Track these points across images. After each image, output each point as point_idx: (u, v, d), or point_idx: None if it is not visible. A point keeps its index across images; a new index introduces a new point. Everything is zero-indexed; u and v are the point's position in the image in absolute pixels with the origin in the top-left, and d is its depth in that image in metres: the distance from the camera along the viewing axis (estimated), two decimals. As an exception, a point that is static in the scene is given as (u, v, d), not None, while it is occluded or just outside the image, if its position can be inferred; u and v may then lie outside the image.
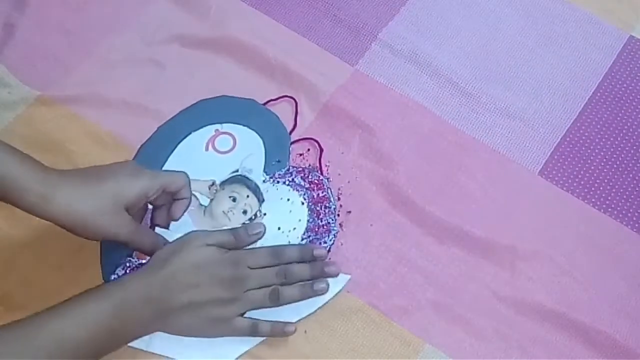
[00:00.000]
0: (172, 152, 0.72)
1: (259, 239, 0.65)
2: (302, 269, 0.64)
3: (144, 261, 0.66)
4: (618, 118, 0.77)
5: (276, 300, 0.63)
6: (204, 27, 0.80)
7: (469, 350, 0.65)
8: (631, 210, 0.72)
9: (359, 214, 0.70)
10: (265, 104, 0.76)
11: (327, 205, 0.70)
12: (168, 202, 0.66)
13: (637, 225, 0.71)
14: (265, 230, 0.65)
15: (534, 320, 0.67)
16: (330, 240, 0.68)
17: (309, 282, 0.64)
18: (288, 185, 0.71)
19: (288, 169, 0.72)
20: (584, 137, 0.76)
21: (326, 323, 0.66)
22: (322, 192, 0.71)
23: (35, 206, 0.58)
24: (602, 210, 0.72)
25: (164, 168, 0.71)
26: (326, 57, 0.79)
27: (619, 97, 0.78)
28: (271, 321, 0.63)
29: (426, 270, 0.69)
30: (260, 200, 0.70)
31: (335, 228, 0.69)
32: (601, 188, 0.73)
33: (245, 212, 0.69)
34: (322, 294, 0.64)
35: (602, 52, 0.81)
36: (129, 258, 0.67)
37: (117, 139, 0.73)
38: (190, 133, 0.73)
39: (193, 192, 0.69)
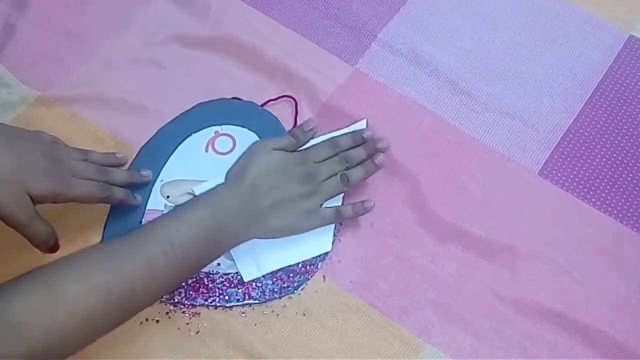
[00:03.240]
0: (172, 153, 0.72)
1: (315, 133, 0.71)
2: (359, 152, 0.70)
3: None
4: (618, 118, 0.77)
5: (347, 183, 0.69)
6: (204, 27, 0.80)
7: (468, 350, 0.65)
8: (631, 210, 0.72)
9: (359, 214, 0.71)
10: (264, 104, 0.76)
11: None
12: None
13: (637, 225, 0.71)
14: (318, 125, 0.71)
15: (534, 320, 0.67)
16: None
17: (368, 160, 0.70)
18: None
19: None
20: (583, 137, 0.76)
21: (326, 323, 0.66)
22: None
23: None
24: (602, 210, 0.72)
25: (164, 169, 0.71)
26: (326, 57, 0.79)
27: (618, 97, 0.78)
28: (351, 203, 0.69)
29: (426, 270, 0.69)
30: None
31: (337, 225, 0.69)
32: (601, 188, 0.73)
33: None
34: (382, 166, 0.70)
35: (602, 51, 0.81)
36: None
37: (117, 139, 0.73)
38: (190, 135, 0.73)
39: (193, 192, 0.69)
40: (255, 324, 0.66)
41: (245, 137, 0.73)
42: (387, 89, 0.78)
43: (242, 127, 0.74)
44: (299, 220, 0.67)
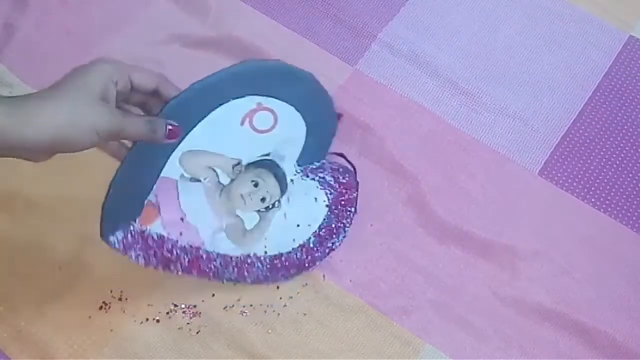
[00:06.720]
0: (203, 118, 0.61)
1: None
2: None
3: (144, 228, 0.64)
4: (618, 118, 0.77)
5: None
6: (204, 27, 0.80)
7: (469, 350, 0.65)
8: (631, 210, 0.72)
9: (359, 213, 0.70)
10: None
11: (349, 209, 0.69)
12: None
13: (637, 225, 0.71)
14: None
15: (534, 320, 0.67)
16: (339, 241, 0.69)
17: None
18: (317, 181, 0.68)
19: (323, 164, 0.68)
20: (583, 137, 0.76)
21: (326, 323, 0.66)
22: (350, 195, 0.69)
23: (7, 136, 0.49)
24: (602, 210, 0.72)
25: (190, 134, 0.61)
26: (326, 57, 0.80)
27: (618, 97, 0.78)
28: None
29: (426, 270, 0.69)
30: (283, 191, 0.67)
31: (347, 229, 0.69)
32: (601, 188, 0.73)
33: (263, 199, 0.67)
34: None
35: (602, 51, 0.81)
36: (132, 222, 0.63)
37: (117, 139, 0.73)
38: (229, 100, 0.61)
39: (214, 168, 0.65)
40: (256, 324, 0.66)
41: (289, 118, 0.64)
42: (387, 89, 0.78)
43: (290, 104, 0.63)
44: None
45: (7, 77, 0.76)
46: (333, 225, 0.69)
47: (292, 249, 0.68)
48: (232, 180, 0.66)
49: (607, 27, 0.82)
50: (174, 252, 0.65)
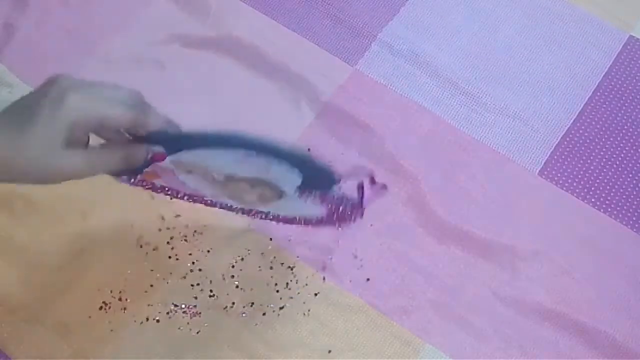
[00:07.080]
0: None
1: None
2: None
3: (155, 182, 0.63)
4: (618, 118, 0.77)
5: None
6: (204, 27, 0.80)
7: (469, 350, 0.65)
8: (631, 210, 0.72)
9: (359, 214, 0.71)
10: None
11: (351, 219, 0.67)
12: None
13: (637, 225, 0.71)
14: None
15: (534, 320, 0.67)
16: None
17: None
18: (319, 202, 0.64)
19: (325, 192, 0.62)
20: (583, 137, 0.76)
21: (326, 323, 0.66)
22: (354, 216, 0.66)
23: None
24: (602, 210, 0.72)
25: (178, 154, 0.57)
26: (326, 57, 0.80)
27: (618, 97, 0.78)
28: None
29: (426, 270, 0.69)
30: (280, 197, 0.64)
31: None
32: (601, 188, 0.73)
33: (260, 195, 0.65)
34: None
35: (602, 51, 0.81)
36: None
37: (117, 139, 0.73)
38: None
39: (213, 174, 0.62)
40: (256, 324, 0.66)
41: (283, 170, 0.59)
42: (387, 89, 0.78)
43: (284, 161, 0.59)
44: None
45: (7, 77, 0.76)
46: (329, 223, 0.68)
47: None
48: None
49: (607, 27, 0.82)
50: (179, 195, 0.66)
